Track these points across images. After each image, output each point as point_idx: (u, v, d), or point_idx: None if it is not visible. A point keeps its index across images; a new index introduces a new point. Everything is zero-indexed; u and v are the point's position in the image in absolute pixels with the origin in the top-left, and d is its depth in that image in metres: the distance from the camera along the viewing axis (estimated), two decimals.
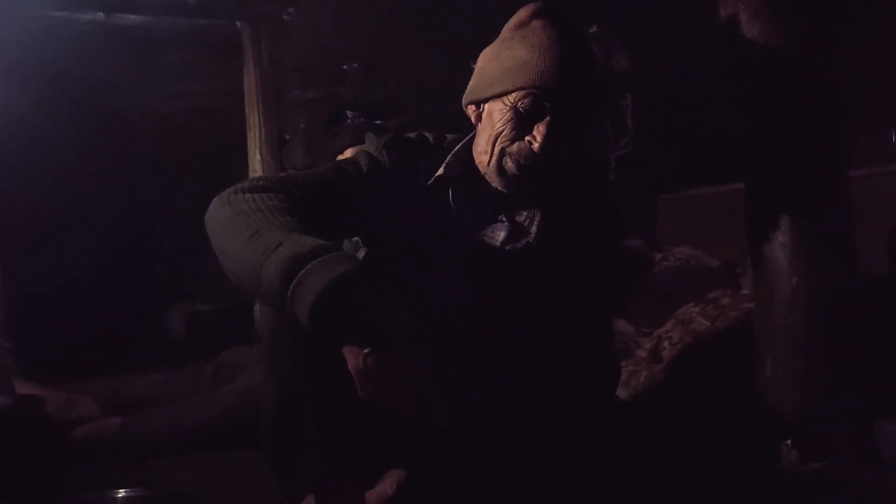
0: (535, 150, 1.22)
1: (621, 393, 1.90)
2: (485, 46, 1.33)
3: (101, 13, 2.66)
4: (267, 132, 2.86)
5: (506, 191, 1.27)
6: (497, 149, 1.25)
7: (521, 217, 1.30)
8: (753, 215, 1.59)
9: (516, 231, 1.29)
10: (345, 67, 2.92)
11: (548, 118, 1.21)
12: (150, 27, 2.74)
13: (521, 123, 1.23)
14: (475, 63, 1.33)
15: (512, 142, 1.24)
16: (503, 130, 1.24)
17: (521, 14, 1.29)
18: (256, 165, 2.86)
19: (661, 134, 3.04)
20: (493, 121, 1.25)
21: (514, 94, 1.22)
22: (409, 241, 1.27)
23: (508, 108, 1.23)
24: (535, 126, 1.22)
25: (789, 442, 1.47)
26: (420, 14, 2.87)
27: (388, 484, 1.17)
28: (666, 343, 2.09)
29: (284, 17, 2.85)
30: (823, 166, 1.53)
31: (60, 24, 2.62)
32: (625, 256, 2.74)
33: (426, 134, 1.38)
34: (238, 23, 2.85)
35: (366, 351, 1.01)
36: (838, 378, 1.49)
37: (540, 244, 1.27)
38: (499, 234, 1.29)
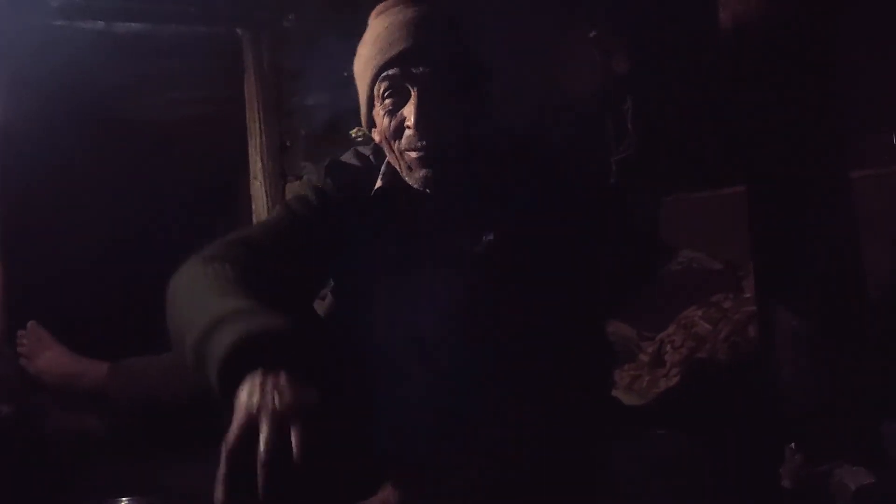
0: (411, 133, 1.19)
1: (624, 398, 1.89)
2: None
3: (102, 21, 2.66)
4: (268, 138, 2.85)
5: (425, 187, 1.23)
6: (396, 151, 1.23)
7: (479, 217, 1.23)
8: (756, 217, 1.58)
9: (476, 232, 1.22)
10: (345, 73, 2.92)
11: (410, 99, 1.19)
12: (151, 35, 2.74)
13: (395, 116, 1.21)
14: None
15: (397, 137, 1.22)
16: (386, 131, 1.22)
17: (371, 15, 1.28)
18: (257, 172, 2.85)
19: (662, 136, 3.04)
20: (382, 129, 1.24)
21: (376, 95, 1.22)
22: (372, 262, 1.24)
23: (381, 109, 1.22)
24: (404, 112, 1.20)
25: (794, 445, 1.47)
26: None
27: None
28: (668, 347, 2.08)
29: (285, 23, 2.85)
30: (826, 167, 1.53)
31: (61, 32, 2.62)
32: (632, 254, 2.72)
33: (360, 150, 1.36)
34: (238, 29, 2.85)
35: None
36: (842, 380, 1.49)
37: (504, 241, 1.20)
38: (461, 239, 1.22)
